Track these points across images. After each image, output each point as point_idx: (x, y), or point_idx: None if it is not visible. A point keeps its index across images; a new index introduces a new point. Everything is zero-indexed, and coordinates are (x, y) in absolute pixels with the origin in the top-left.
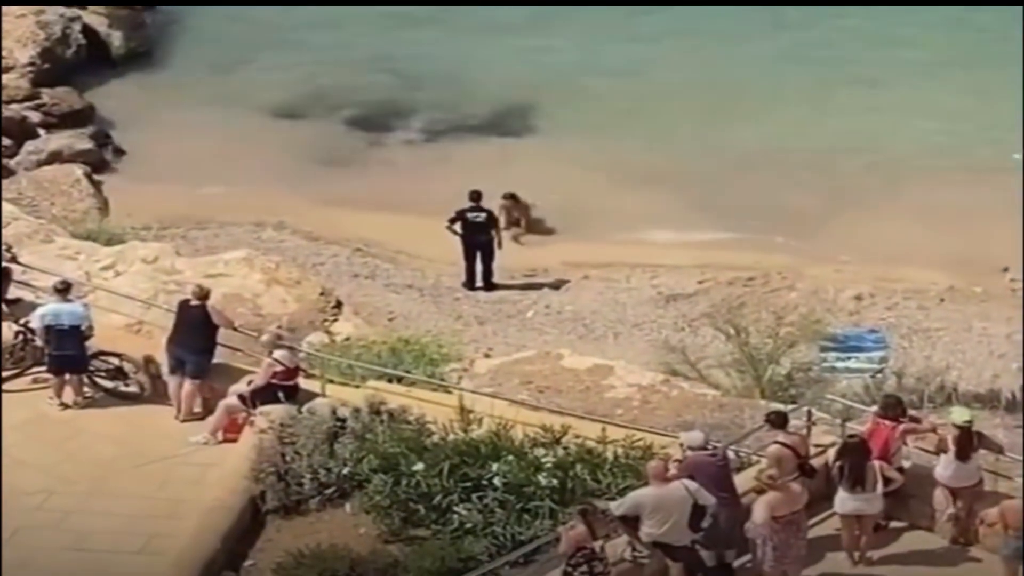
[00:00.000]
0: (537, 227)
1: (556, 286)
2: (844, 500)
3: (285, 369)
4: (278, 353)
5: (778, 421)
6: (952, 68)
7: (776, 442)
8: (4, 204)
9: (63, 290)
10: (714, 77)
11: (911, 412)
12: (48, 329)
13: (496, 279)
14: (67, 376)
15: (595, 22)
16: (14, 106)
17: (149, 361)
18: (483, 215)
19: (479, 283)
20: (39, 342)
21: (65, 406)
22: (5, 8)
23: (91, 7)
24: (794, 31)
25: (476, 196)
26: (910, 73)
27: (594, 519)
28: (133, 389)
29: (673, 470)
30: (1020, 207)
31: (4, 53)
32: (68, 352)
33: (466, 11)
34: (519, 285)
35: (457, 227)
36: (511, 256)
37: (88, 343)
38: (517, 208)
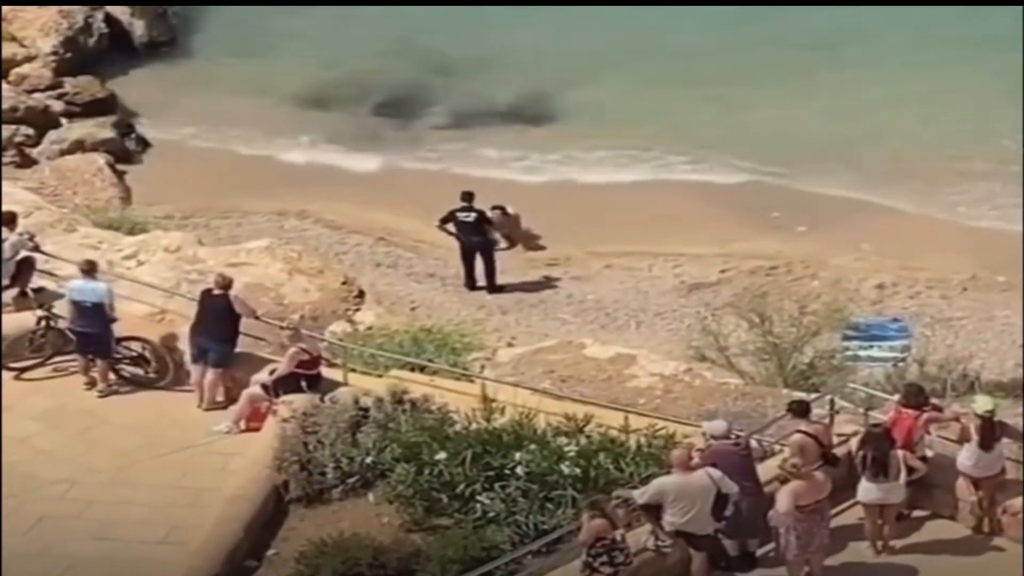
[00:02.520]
0: (530, 242)
1: (576, 277)
2: (867, 489)
3: (308, 358)
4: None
5: (800, 410)
6: (972, 60)
7: (798, 431)
8: (27, 194)
9: (88, 271)
10: (736, 67)
11: (934, 401)
12: (73, 305)
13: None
14: (92, 360)
15: (617, 10)
16: (37, 95)
17: (172, 349)
18: (473, 215)
19: (480, 283)
20: (61, 324)
21: (92, 384)
22: None
23: None
24: (817, 21)
25: (468, 196)
26: (931, 66)
27: (610, 510)
28: (155, 375)
29: (696, 459)
30: None
31: (27, 43)
32: (90, 330)
33: None
34: (518, 285)
35: (450, 227)
36: None
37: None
38: (506, 222)
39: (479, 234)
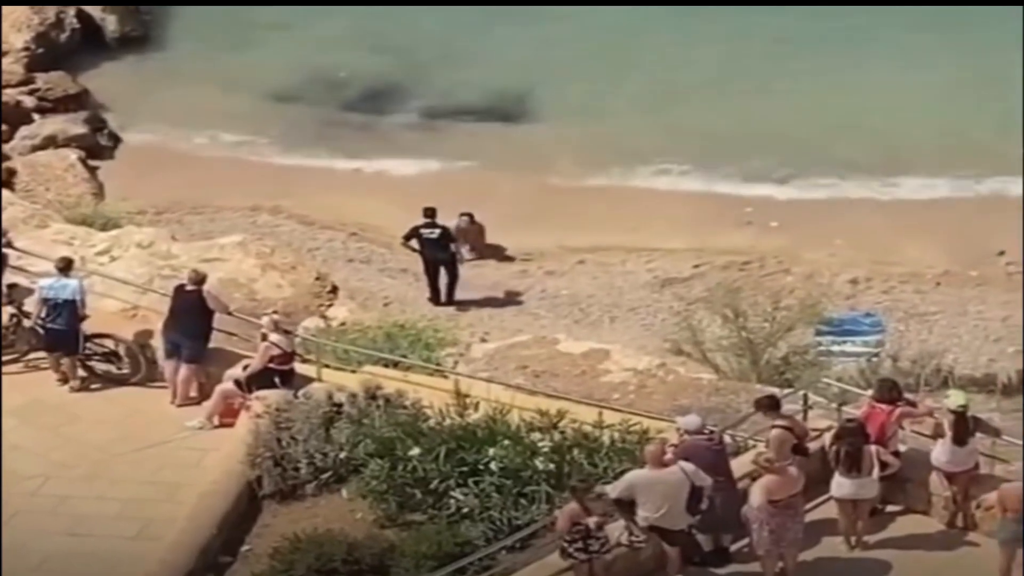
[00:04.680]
0: (492, 252)
1: (550, 272)
2: (840, 484)
3: (281, 353)
4: (274, 337)
5: (769, 405)
6: (953, 56)
7: (777, 425)
8: None
9: (64, 268)
10: (712, 65)
11: (907, 396)
12: (44, 302)
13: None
14: (61, 357)
15: (592, 8)
16: (9, 91)
17: (144, 345)
18: (437, 231)
19: (443, 299)
20: (28, 322)
21: (64, 380)
22: None
23: None
24: (790, 18)
25: (430, 213)
26: (910, 61)
27: (585, 497)
28: (126, 371)
29: (669, 454)
30: (1019, 192)
31: None
32: (59, 327)
33: None
34: (480, 300)
35: (414, 243)
36: (508, 239)
37: (83, 325)
38: (473, 230)
39: (443, 250)
